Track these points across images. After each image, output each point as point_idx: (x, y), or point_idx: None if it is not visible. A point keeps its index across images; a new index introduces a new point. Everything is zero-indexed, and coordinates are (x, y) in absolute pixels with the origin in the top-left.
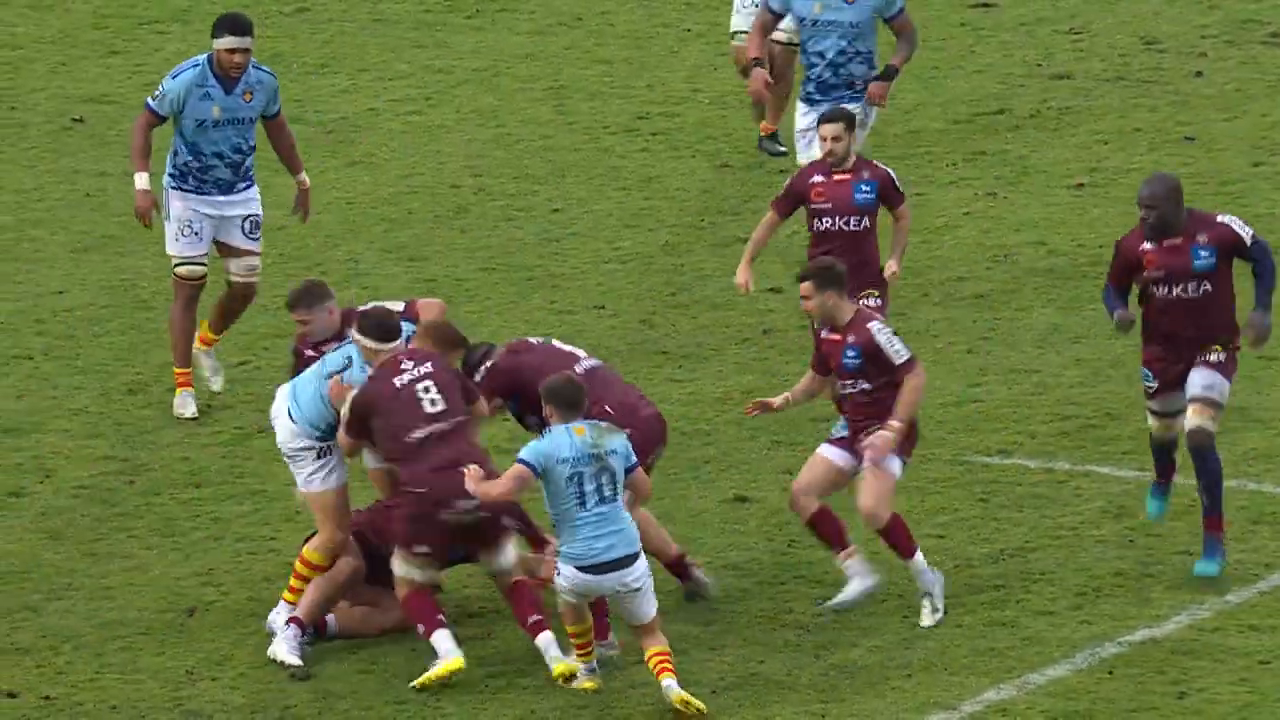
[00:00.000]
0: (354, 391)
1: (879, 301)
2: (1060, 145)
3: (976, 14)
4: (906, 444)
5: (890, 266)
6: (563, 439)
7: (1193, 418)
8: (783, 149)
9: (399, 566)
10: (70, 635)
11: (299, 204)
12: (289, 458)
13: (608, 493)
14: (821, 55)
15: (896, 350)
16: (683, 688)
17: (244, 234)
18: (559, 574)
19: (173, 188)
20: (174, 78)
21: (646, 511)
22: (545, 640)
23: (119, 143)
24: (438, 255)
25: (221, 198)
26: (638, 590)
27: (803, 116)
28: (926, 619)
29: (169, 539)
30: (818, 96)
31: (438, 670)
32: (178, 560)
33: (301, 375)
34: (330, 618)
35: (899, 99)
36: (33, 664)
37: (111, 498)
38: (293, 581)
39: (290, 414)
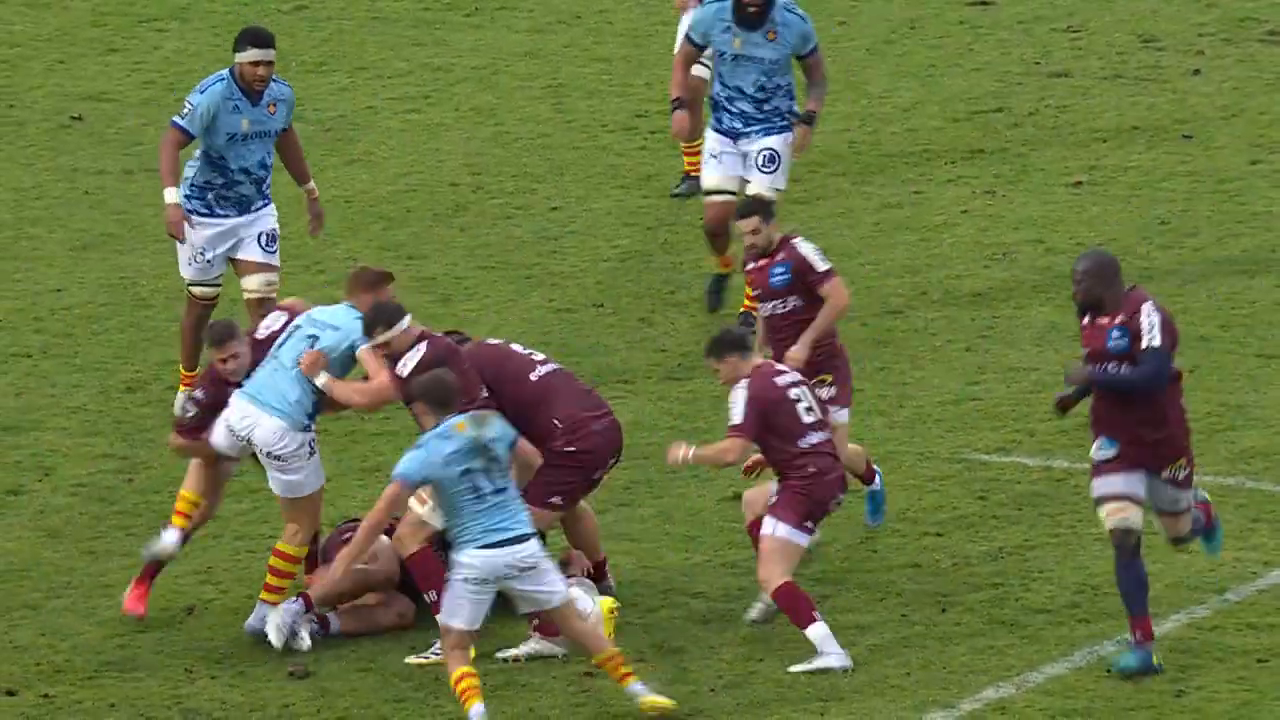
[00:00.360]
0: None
1: (833, 389)
2: (1058, 143)
3: (974, 12)
4: (796, 510)
5: (793, 349)
6: (442, 443)
7: (1172, 528)
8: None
9: (422, 509)
10: (69, 633)
11: (312, 214)
12: (278, 459)
13: (500, 482)
14: (740, 90)
15: (731, 412)
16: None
17: (261, 247)
18: (456, 571)
19: (187, 210)
20: (201, 92)
21: (588, 507)
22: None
23: (117, 141)
24: (436, 253)
25: (239, 217)
26: (533, 568)
27: (713, 141)
28: (801, 665)
29: None
30: (742, 129)
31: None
32: (176, 558)
33: (254, 382)
34: (333, 617)
35: (897, 97)
36: (31, 662)
37: (110, 496)
38: (271, 580)
39: (273, 414)
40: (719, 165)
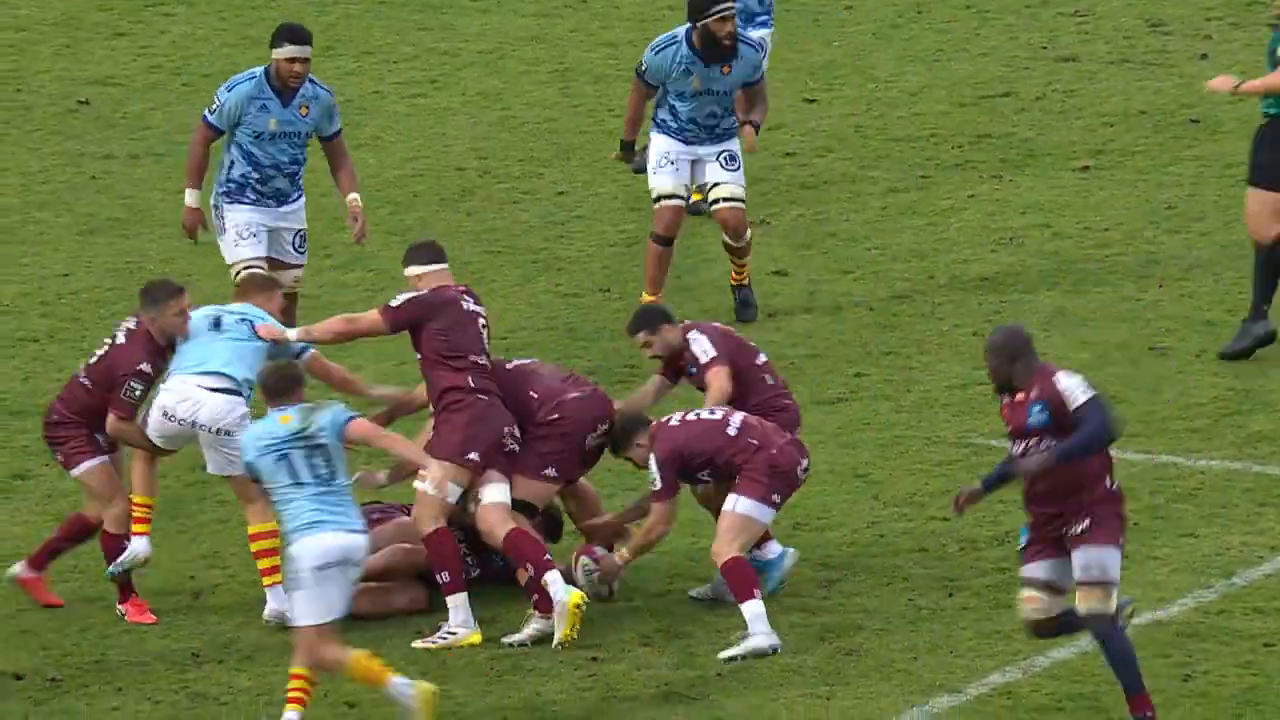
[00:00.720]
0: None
1: None
2: (1065, 128)
3: None
4: (761, 484)
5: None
6: (261, 429)
7: (1081, 605)
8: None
9: (423, 485)
10: (76, 618)
11: (351, 220)
12: (228, 434)
13: (323, 472)
14: (693, 120)
15: (651, 479)
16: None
17: (294, 249)
18: (297, 564)
19: (227, 203)
20: (230, 89)
21: (590, 487)
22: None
23: (124, 125)
24: (443, 238)
25: (278, 208)
26: (359, 566)
27: (666, 145)
28: (732, 650)
29: (175, 521)
30: (693, 137)
31: (457, 641)
32: (184, 543)
33: (188, 358)
34: None
35: (904, 81)
36: (38, 646)
37: None
38: (264, 563)
39: (221, 381)
40: (674, 171)
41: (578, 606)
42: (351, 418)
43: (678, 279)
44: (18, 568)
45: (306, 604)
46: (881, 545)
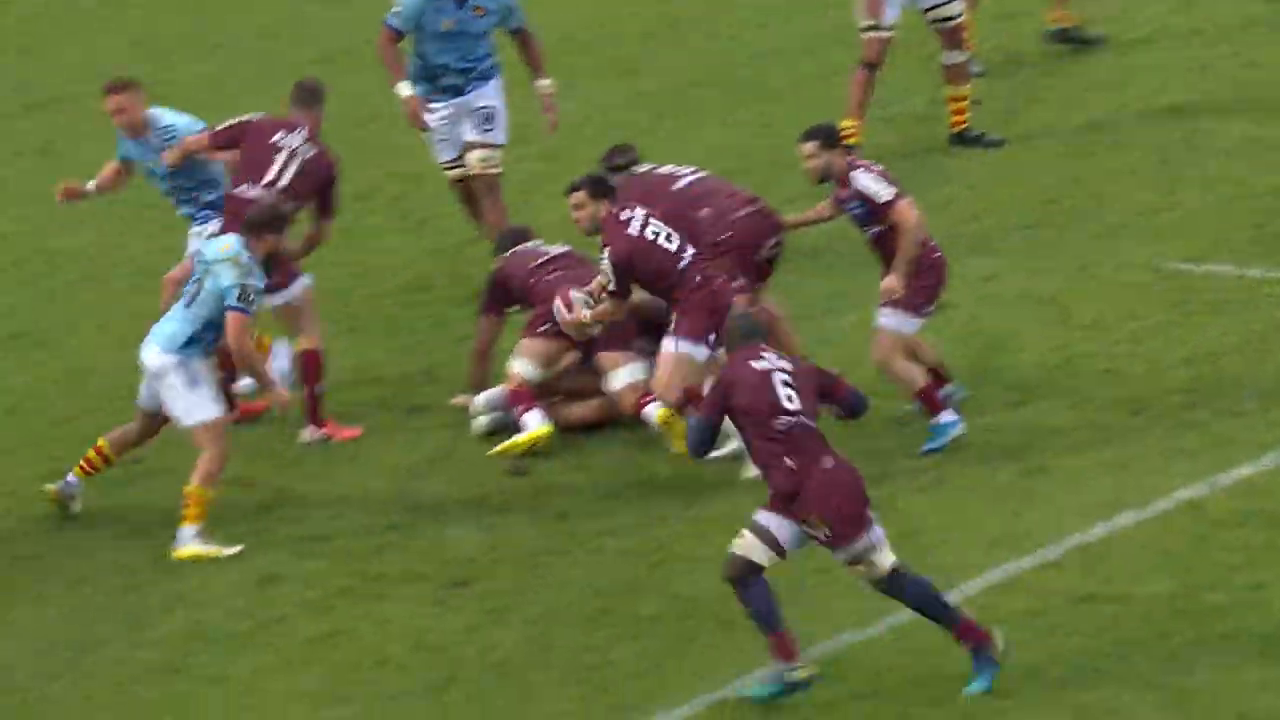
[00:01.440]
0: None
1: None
2: None
3: None
4: (697, 323)
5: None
6: (216, 242)
7: (867, 573)
8: (1095, 35)
9: (520, 365)
10: (266, 453)
11: (544, 110)
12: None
13: (186, 300)
14: None
15: (605, 276)
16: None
17: (475, 127)
18: None
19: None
20: None
21: (775, 309)
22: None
23: None
24: (650, 69)
25: (454, 99)
26: (157, 378)
27: None
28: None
29: (395, 339)
30: None
31: (526, 436)
32: (397, 354)
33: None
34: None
35: None
36: (232, 478)
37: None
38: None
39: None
40: (889, 2)
41: (665, 423)
42: (236, 308)
43: (881, 109)
44: (306, 433)
45: None
46: (1069, 367)
